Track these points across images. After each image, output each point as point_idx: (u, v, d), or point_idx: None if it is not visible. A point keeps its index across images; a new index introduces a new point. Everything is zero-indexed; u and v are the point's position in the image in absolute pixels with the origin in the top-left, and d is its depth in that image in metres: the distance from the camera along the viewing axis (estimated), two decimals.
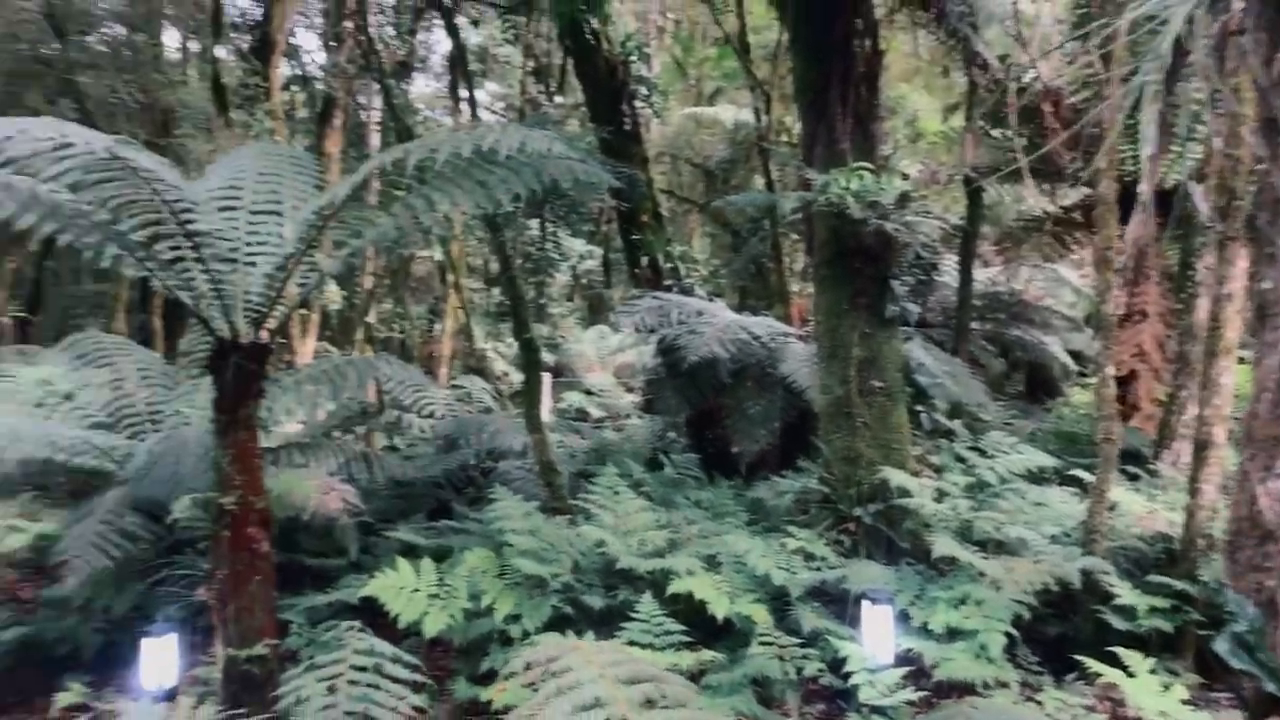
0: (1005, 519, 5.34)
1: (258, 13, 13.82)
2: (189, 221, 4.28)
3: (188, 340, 7.51)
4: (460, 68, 8.51)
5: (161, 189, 4.03)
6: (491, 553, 4.92)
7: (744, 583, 4.77)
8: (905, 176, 7.99)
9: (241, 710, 3.09)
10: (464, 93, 10.43)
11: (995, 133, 9.84)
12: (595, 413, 14.41)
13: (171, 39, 13.88)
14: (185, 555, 5.40)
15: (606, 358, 16.56)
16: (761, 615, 4.47)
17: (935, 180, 9.16)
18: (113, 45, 11.86)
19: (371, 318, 14.15)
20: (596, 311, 19.27)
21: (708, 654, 4.14)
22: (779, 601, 4.76)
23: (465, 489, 7.37)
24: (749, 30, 11.47)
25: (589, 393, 15.37)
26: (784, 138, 12.36)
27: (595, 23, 8.96)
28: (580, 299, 19.35)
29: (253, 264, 4.69)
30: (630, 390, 15.62)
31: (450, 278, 15.06)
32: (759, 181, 13.50)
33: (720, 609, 4.36)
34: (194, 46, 14.42)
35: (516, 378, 15.63)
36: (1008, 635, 4.46)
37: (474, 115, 8.26)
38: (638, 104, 9.56)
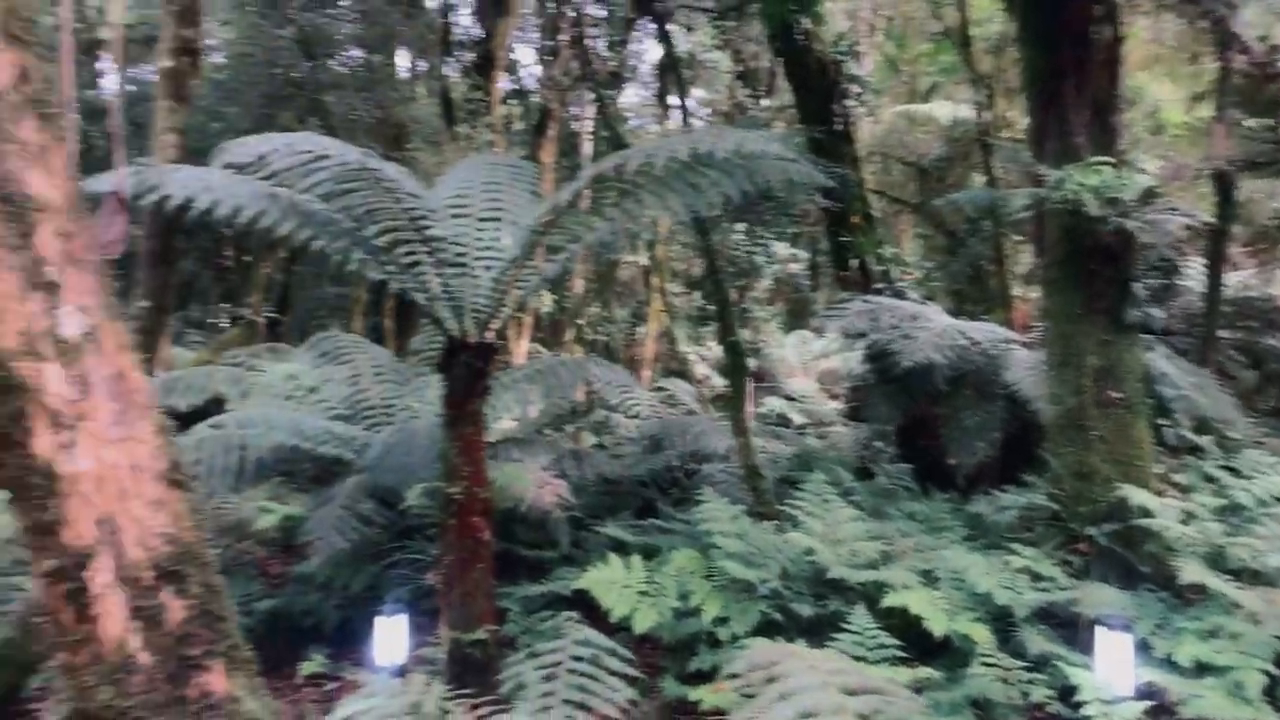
0: (1265, 546, 4.81)
1: (479, 30, 14.62)
2: (425, 228, 4.57)
3: (418, 340, 8.02)
4: (673, 74, 8.64)
5: (403, 197, 4.32)
6: (699, 554, 4.93)
7: (963, 600, 4.54)
8: (1143, 172, 7.39)
9: (468, 691, 3.25)
10: (674, 99, 10.58)
11: (1250, 122, 8.93)
12: (797, 419, 14.21)
13: (403, 59, 14.90)
14: (414, 540, 5.74)
15: (809, 363, 16.31)
16: (982, 634, 4.25)
17: (1179, 175, 8.41)
18: (352, 67, 12.85)
19: (581, 320, 14.61)
20: (799, 316, 19.02)
21: (925, 671, 3.97)
22: (1001, 622, 4.50)
23: (670, 489, 7.45)
24: (970, 22, 10.97)
25: (790, 398, 15.18)
26: (1005, 133, 11.74)
27: (807, 23, 8.84)
28: (782, 303, 19.16)
29: (481, 268, 4.93)
30: (834, 397, 15.30)
31: (654, 281, 15.32)
32: (977, 179, 12.89)
33: (938, 625, 4.17)
34: (422, 65, 15.42)
35: (717, 381, 15.69)
36: (1267, 675, 4.02)
37: (685, 121, 8.35)
38: (849, 103, 9.35)
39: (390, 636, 4.62)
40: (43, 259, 1.54)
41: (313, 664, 5.17)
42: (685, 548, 5.06)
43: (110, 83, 14.81)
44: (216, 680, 1.61)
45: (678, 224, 12.74)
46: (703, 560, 4.85)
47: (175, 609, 1.61)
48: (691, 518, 5.77)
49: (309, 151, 3.83)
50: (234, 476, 5.50)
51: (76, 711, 1.55)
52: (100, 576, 1.55)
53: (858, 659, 4.01)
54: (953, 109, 13.45)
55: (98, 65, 15.31)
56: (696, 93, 19.96)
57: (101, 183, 3.48)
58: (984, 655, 4.17)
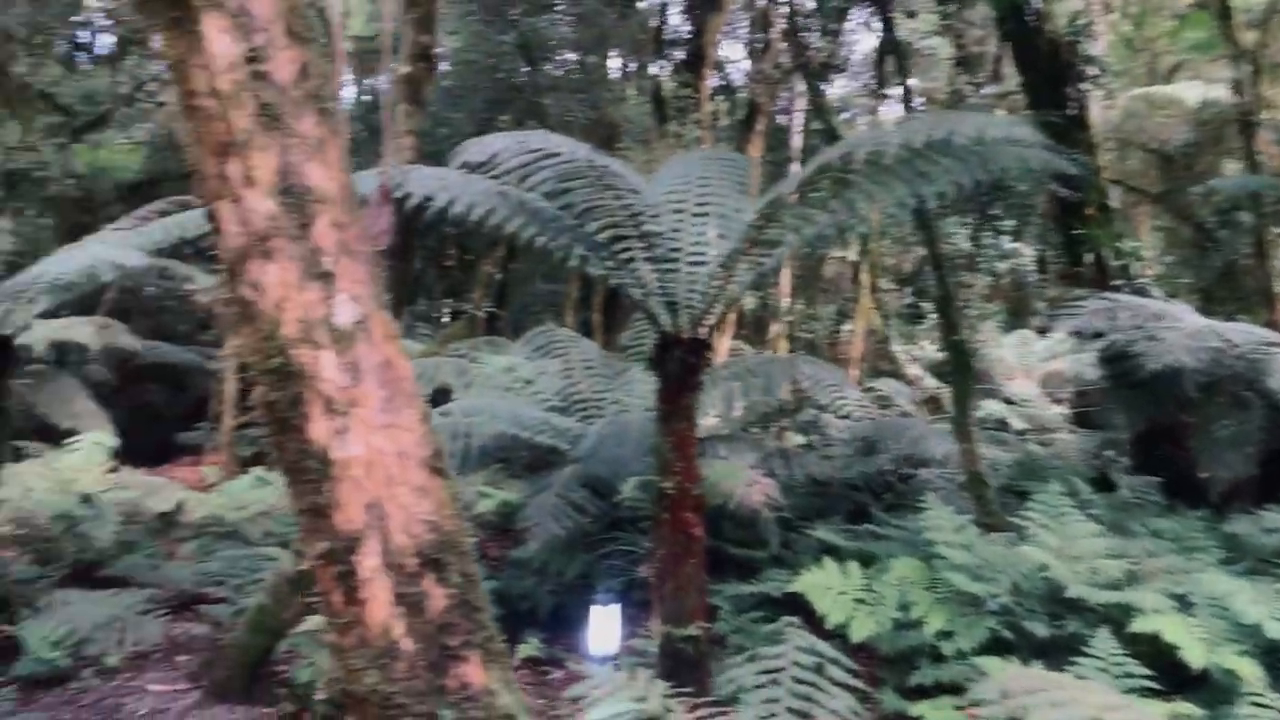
0: None
1: (688, 29, 14.70)
2: (642, 224, 4.59)
3: (628, 335, 8.13)
4: (894, 60, 8.30)
5: (623, 194, 4.35)
6: (920, 563, 4.70)
7: (1225, 630, 4.08)
8: None
9: (683, 690, 3.22)
10: (890, 89, 10.21)
11: None
12: (1016, 423, 13.39)
13: (614, 59, 15.20)
14: (625, 532, 5.81)
15: (1031, 364, 15.33)
16: (1250, 670, 3.79)
17: None
18: (568, 69, 13.24)
19: (790, 317, 14.39)
20: (1019, 314, 17.92)
21: (1184, 706, 3.58)
22: (1272, 657, 4.01)
23: (883, 494, 7.18)
24: None
25: (1009, 401, 14.32)
26: (1265, 114, 10.52)
27: (1038, 3, 8.30)
28: (1002, 300, 18.11)
29: (694, 264, 4.91)
30: (1057, 401, 14.31)
31: (864, 278, 14.89)
32: (1230, 166, 11.67)
33: (1196, 657, 3.76)
34: (632, 65, 15.67)
35: (929, 383, 15.04)
36: None
37: (908, 108, 8.01)
38: (1083, 86, 8.70)
39: (604, 626, 4.68)
40: (320, 249, 1.61)
41: (529, 647, 5.32)
42: (905, 556, 4.84)
43: (350, 90, 15.96)
44: (474, 671, 1.63)
45: (889, 217, 12.28)
46: (925, 570, 4.61)
47: (437, 597, 1.64)
48: (910, 525, 5.54)
49: (540, 149, 3.93)
50: (459, 462, 5.75)
51: (344, 692, 1.61)
52: (368, 561, 1.60)
53: None
54: (1202, 89, 12.22)
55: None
56: (910, 81, 19.21)
57: (366, 178, 3.70)
58: (1253, 694, 3.72)
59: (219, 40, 1.57)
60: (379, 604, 1.58)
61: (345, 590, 1.60)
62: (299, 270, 1.58)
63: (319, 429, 1.59)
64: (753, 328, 16.54)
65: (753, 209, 4.57)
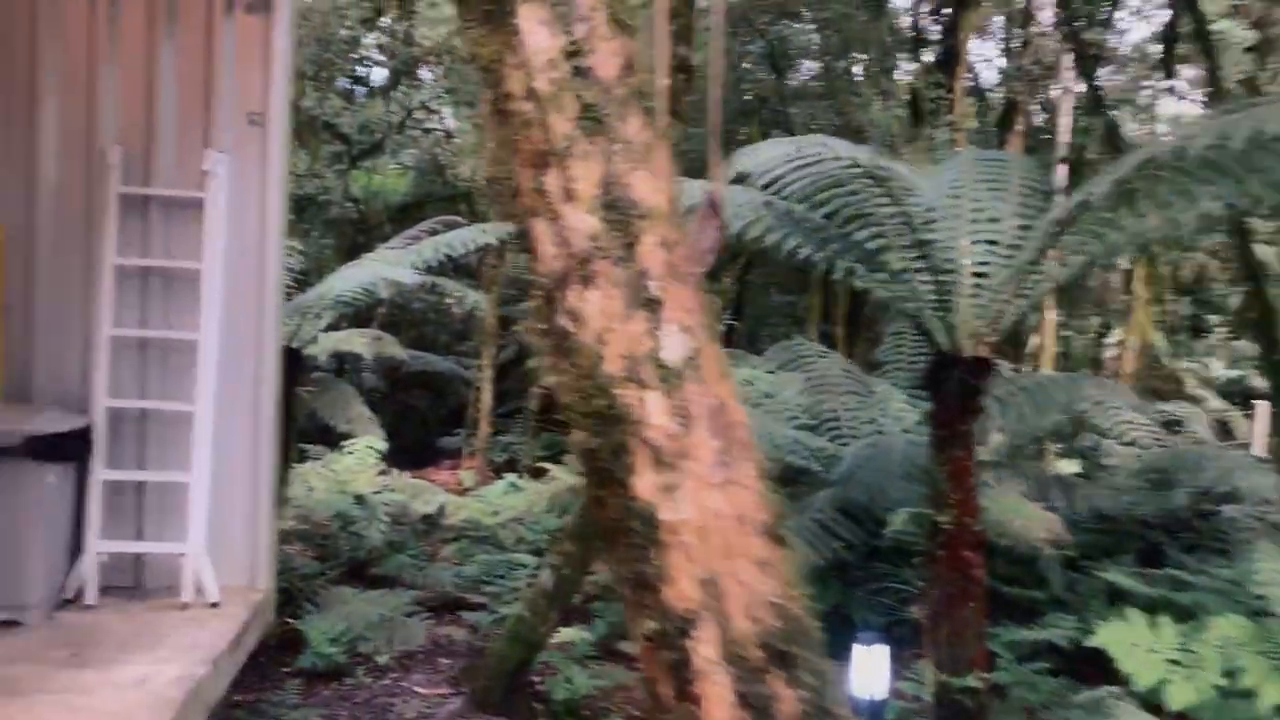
0: None
1: (937, 29, 13.96)
2: (919, 232, 4.23)
3: (882, 350, 7.71)
4: (1201, 44, 7.36)
5: (901, 198, 4.02)
6: (1246, 621, 4.03)
7: None
8: None
9: None
10: (1176, 78, 9.11)
11: None
12: None
13: (858, 64, 14.68)
14: (885, 563, 5.44)
15: None
16: None
17: None
18: (813, 75, 12.91)
19: (1060, 332, 13.33)
20: None
21: None
22: None
23: (1179, 533, 6.34)
24: None
25: None
26: None
27: None
28: None
29: (978, 274, 4.49)
30: None
31: (1138, 287, 13.54)
32: None
33: None
34: (875, 69, 15.07)
35: (1214, 405, 13.49)
36: None
37: (1216, 97, 7.06)
38: None
39: (869, 666, 4.34)
40: (646, 272, 1.42)
41: None
42: (1222, 610, 4.18)
43: None
44: None
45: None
46: (1254, 630, 3.94)
47: (786, 700, 1.38)
48: (1222, 572, 4.83)
49: (814, 155, 3.69)
50: None
51: None
52: (703, 649, 1.36)
53: None
54: None
55: None
56: (1186, 72, 17.42)
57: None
58: None
59: (537, 33, 1.43)
60: (717, 704, 1.33)
61: (677, 682, 1.35)
62: (623, 297, 1.38)
63: (645, 484, 1.37)
64: (1009, 341, 15.42)
65: (1046, 215, 4.10)
